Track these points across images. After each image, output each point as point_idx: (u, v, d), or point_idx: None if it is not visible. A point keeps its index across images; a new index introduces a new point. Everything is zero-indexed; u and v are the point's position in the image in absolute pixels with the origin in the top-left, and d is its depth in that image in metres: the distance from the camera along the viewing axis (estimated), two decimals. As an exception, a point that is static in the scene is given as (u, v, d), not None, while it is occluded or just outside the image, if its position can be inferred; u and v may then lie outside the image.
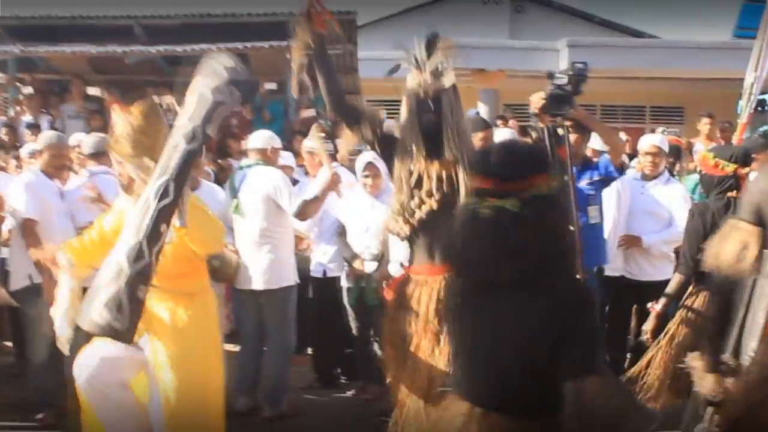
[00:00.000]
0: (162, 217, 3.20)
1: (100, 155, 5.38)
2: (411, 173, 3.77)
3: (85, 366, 3.61)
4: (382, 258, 5.03)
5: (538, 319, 2.24)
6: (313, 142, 6.19)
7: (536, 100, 4.08)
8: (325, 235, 5.78)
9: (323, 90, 3.90)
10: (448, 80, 3.74)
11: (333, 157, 6.18)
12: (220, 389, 3.84)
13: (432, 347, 3.68)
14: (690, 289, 4.41)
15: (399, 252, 4.27)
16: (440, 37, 3.78)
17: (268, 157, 5.36)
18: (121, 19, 9.99)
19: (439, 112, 3.72)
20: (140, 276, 3.15)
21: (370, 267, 5.29)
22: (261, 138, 5.45)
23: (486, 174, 2.34)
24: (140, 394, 3.75)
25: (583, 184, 4.77)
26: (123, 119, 3.67)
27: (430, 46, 3.75)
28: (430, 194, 3.74)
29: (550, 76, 4.06)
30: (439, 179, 3.73)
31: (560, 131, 3.80)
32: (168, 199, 3.20)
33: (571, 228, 2.52)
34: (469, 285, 2.41)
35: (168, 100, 3.80)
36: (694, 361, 3.27)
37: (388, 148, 3.89)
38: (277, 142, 5.56)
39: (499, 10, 18.35)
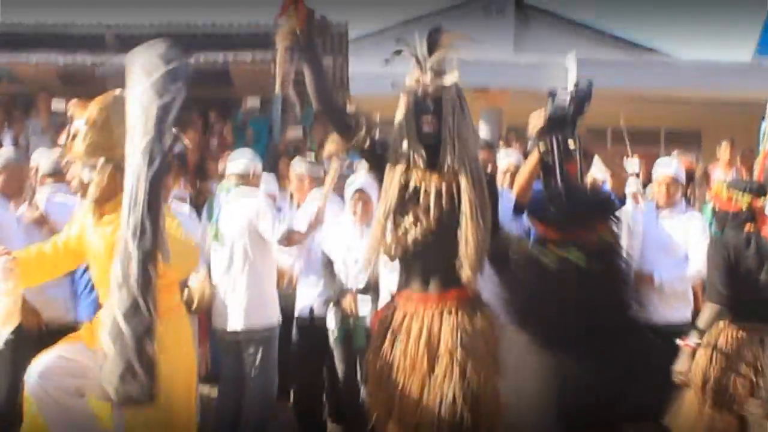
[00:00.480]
0: (147, 259, 3.13)
1: (59, 174, 5.33)
2: (405, 185, 3.68)
3: (38, 370, 3.53)
4: (372, 292, 4.96)
5: (602, 369, 2.34)
6: (303, 166, 6.17)
7: (535, 120, 4.05)
8: (312, 269, 5.71)
9: (310, 88, 3.80)
10: (450, 79, 3.66)
11: (321, 181, 6.15)
12: (192, 407, 3.80)
13: (422, 386, 3.58)
14: (720, 324, 4.35)
15: (389, 280, 4.18)
16: (444, 31, 3.73)
17: (249, 181, 5.31)
18: (92, 27, 9.99)
19: (439, 115, 3.63)
20: (144, 334, 3.08)
21: (361, 304, 5.19)
22: (241, 159, 5.39)
23: (548, 221, 2.39)
24: (100, 413, 3.66)
25: None
26: (79, 115, 3.60)
27: (432, 42, 3.69)
28: (427, 211, 3.64)
29: (552, 94, 4.04)
30: (438, 193, 3.64)
31: (571, 144, 3.75)
32: (147, 237, 3.13)
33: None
34: (533, 338, 2.49)
35: None
36: (755, 408, 3.19)
37: (382, 156, 3.79)
38: (259, 164, 5.51)
39: (502, 23, 18.46)
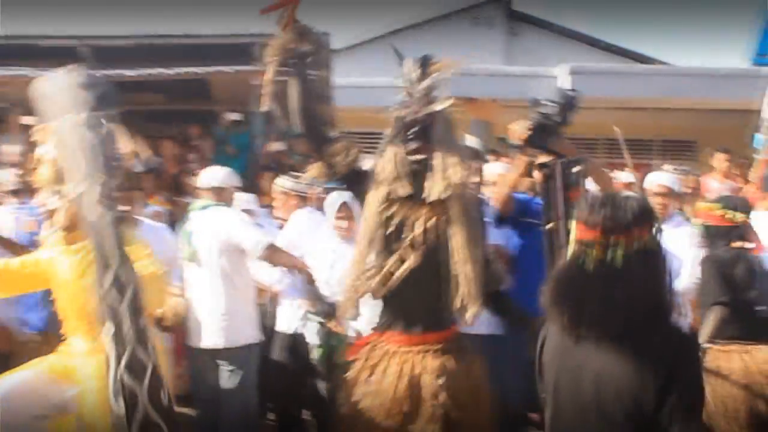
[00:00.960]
0: (134, 311, 3.09)
1: (23, 192, 5.33)
2: (390, 218, 3.61)
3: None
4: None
5: (643, 371, 2.46)
6: (287, 183, 6.19)
7: (519, 130, 4.03)
8: (297, 286, 5.69)
9: (295, 107, 3.77)
10: (441, 105, 3.60)
11: (304, 198, 6.17)
12: None
13: (403, 429, 3.53)
14: (711, 345, 4.42)
15: (368, 312, 4.06)
16: (434, 58, 3.70)
17: (224, 197, 5.32)
18: (65, 39, 9.99)
19: (429, 143, 3.58)
20: (157, 387, 3.05)
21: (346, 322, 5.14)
22: (216, 175, 5.39)
23: (592, 224, 2.56)
24: None
25: None
26: (43, 141, 3.58)
27: (423, 68, 3.66)
28: (412, 247, 3.58)
29: (536, 103, 4.04)
30: (425, 227, 3.58)
31: (575, 169, 3.66)
32: (128, 289, 3.09)
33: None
34: (571, 338, 2.62)
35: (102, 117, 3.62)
36: None
37: (363, 187, 3.72)
38: (236, 180, 5.51)
39: (492, 33, 18.55)
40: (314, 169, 3.93)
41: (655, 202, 5.60)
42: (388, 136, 3.69)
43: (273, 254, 5.07)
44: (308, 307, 5.35)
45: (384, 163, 3.65)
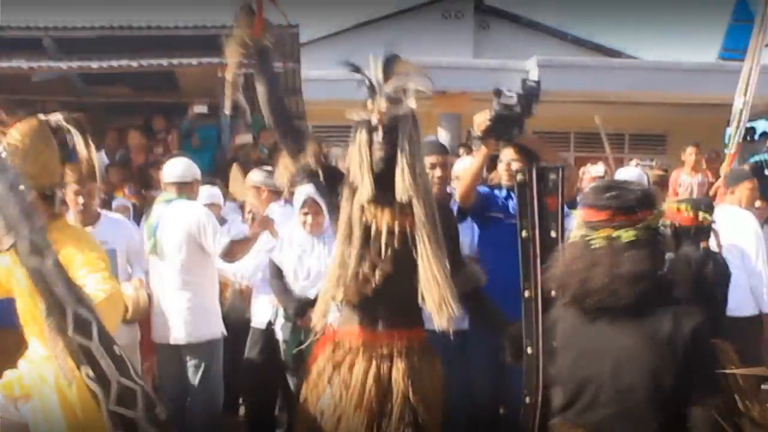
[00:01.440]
0: (106, 344, 3.01)
1: None
2: (359, 224, 3.57)
3: None
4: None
5: (659, 347, 2.67)
6: (259, 177, 6.15)
7: (480, 121, 3.97)
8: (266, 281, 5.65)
9: (263, 103, 3.70)
10: (407, 107, 3.54)
11: (277, 193, 6.13)
12: None
13: (370, 427, 3.50)
14: None
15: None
16: (400, 57, 3.62)
17: (188, 190, 5.27)
18: (28, 30, 9.86)
19: (394, 146, 3.51)
20: (151, 407, 3.00)
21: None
22: (179, 168, 5.32)
23: (601, 207, 2.80)
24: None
25: None
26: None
27: (388, 67, 3.58)
28: (381, 252, 3.55)
29: (498, 93, 3.97)
30: (390, 231, 3.55)
31: (552, 177, 3.50)
32: (93, 325, 3.00)
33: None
34: (585, 314, 2.81)
35: (56, 118, 3.58)
36: None
37: (334, 184, 3.68)
38: (198, 173, 5.46)
39: (462, 26, 18.60)
40: (283, 166, 3.75)
41: None
42: (352, 138, 3.63)
43: (233, 252, 5.04)
44: (277, 303, 5.31)
45: (350, 166, 3.61)
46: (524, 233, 3.43)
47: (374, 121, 3.54)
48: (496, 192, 4.99)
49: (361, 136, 3.58)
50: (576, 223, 2.99)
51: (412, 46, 3.66)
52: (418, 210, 3.53)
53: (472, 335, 4.75)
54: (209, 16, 9.27)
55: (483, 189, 5.02)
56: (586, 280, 2.76)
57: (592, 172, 7.76)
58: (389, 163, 3.52)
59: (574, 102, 12.72)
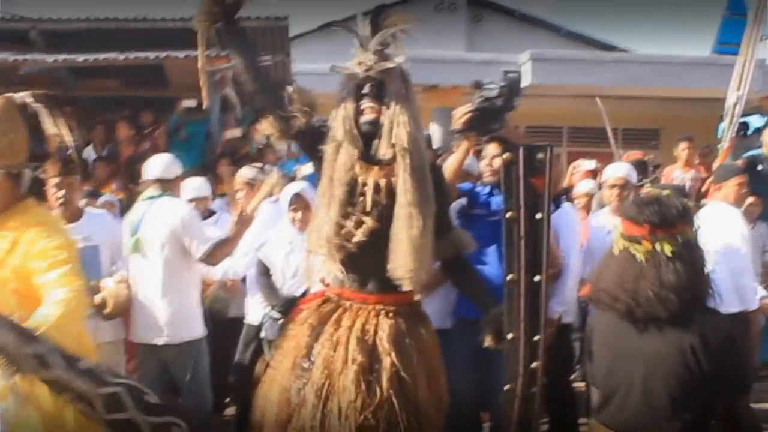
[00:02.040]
0: (70, 364, 2.93)
1: None
2: (345, 181, 3.52)
3: None
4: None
5: (689, 350, 2.84)
6: (251, 173, 6.12)
7: (460, 115, 3.88)
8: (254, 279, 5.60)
9: (240, 67, 3.63)
10: (395, 61, 3.51)
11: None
12: None
13: (356, 383, 3.41)
14: None
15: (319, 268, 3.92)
16: (388, 12, 3.59)
17: (171, 187, 5.20)
18: (14, 22, 9.81)
19: (381, 100, 3.50)
20: (140, 397, 2.95)
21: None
22: (160, 164, 5.23)
23: (642, 222, 2.96)
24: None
25: None
26: None
27: (376, 21, 3.55)
28: (366, 209, 3.51)
29: (478, 86, 3.89)
30: (377, 187, 3.51)
31: (540, 156, 3.42)
32: (53, 355, 2.91)
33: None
34: (624, 321, 2.99)
35: (21, 95, 3.53)
36: None
37: (319, 146, 3.61)
38: (180, 169, 5.40)
39: (455, 18, 18.57)
40: (267, 124, 3.68)
41: (612, 194, 5.67)
42: (340, 93, 3.59)
43: (216, 253, 4.96)
44: (264, 301, 5.28)
45: (336, 122, 3.56)
46: (509, 214, 3.36)
47: (361, 74, 3.51)
48: (479, 189, 4.95)
49: (349, 90, 3.55)
50: (615, 234, 3.13)
51: (403, 38, 3.62)
52: (402, 166, 3.47)
53: (454, 335, 4.72)
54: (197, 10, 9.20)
55: (465, 186, 4.97)
56: (634, 292, 2.93)
57: (585, 166, 7.77)
58: (377, 117, 3.49)
59: (567, 96, 12.73)
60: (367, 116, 3.52)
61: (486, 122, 3.88)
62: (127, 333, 5.16)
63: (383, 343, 3.51)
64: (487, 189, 4.89)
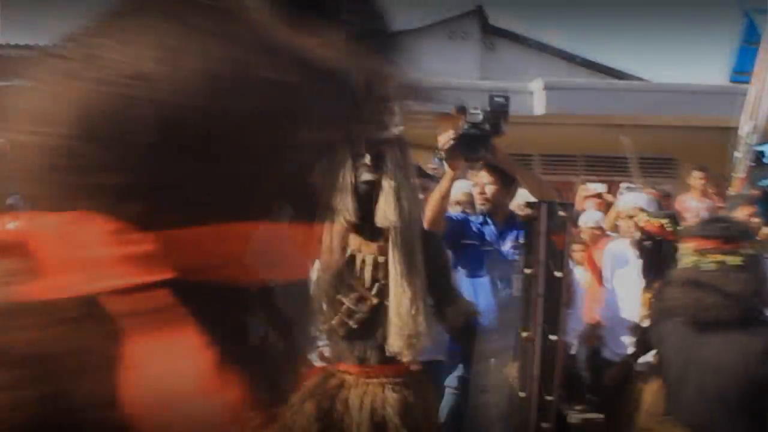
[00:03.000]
0: None
1: None
2: (344, 250, 3.48)
3: None
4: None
5: (753, 354, 3.13)
6: None
7: (444, 140, 3.83)
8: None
9: None
10: (394, 130, 3.45)
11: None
12: None
13: None
14: None
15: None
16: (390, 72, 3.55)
17: None
18: (30, 49, 9.93)
19: (379, 173, 3.40)
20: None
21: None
22: None
23: (712, 237, 3.32)
24: None
25: (507, 247, 4.57)
26: None
27: (371, 85, 3.49)
28: (366, 284, 3.48)
29: (462, 111, 3.83)
30: (375, 263, 3.49)
31: (561, 213, 3.38)
32: None
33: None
34: (692, 327, 3.30)
35: None
36: None
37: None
38: None
39: (468, 47, 18.63)
40: None
41: (630, 224, 5.68)
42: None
43: None
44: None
45: (337, 194, 3.51)
46: (528, 270, 3.33)
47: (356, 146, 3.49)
48: (471, 218, 4.86)
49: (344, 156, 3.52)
50: (682, 252, 3.46)
51: (418, 67, 3.58)
52: (392, 239, 3.42)
53: (448, 366, 4.69)
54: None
55: (457, 215, 4.91)
56: (701, 299, 3.24)
57: (591, 188, 7.85)
58: (372, 189, 3.40)
59: (581, 125, 12.75)
60: (364, 187, 3.41)
61: (470, 148, 3.83)
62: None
63: (393, 419, 3.50)
64: (480, 219, 4.80)
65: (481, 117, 3.82)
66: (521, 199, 4.79)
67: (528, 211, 3.38)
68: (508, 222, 4.66)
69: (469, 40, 18.72)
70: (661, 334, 3.61)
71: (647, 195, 6.56)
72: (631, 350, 4.75)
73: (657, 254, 4.47)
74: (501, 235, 4.59)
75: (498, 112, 3.83)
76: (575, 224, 4.74)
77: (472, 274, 4.34)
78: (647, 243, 4.62)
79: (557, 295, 3.23)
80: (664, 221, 4.60)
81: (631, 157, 9.05)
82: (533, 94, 12.63)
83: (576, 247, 6.39)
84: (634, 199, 5.96)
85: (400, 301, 3.41)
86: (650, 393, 3.78)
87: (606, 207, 7.30)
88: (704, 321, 3.24)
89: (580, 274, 5.57)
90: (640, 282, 4.79)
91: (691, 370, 3.29)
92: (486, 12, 18.79)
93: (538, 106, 11.96)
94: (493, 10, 19.16)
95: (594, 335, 5.40)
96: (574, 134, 12.62)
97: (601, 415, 5.18)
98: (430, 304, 3.52)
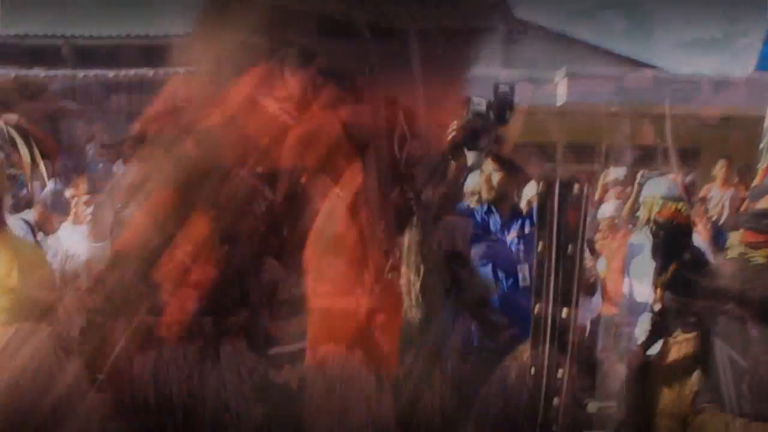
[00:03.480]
0: None
1: None
2: None
3: None
4: None
5: None
6: None
7: (448, 131, 3.71)
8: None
9: None
10: None
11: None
12: None
13: None
14: None
15: None
16: None
17: None
18: (47, 39, 9.99)
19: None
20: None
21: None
22: None
23: (762, 230, 3.38)
24: None
25: (512, 237, 4.55)
26: None
27: None
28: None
29: (467, 101, 3.76)
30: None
31: (576, 187, 3.15)
32: None
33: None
34: (743, 318, 3.34)
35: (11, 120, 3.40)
36: None
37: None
38: None
39: (490, 37, 18.57)
40: None
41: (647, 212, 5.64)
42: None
43: None
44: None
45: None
46: (540, 246, 3.30)
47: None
48: (475, 208, 4.86)
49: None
50: (730, 243, 3.52)
51: None
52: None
53: None
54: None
55: (460, 206, 4.86)
56: (748, 291, 3.31)
57: (612, 174, 7.82)
58: (408, 201, 3.24)
59: (603, 114, 12.68)
60: (399, 197, 3.30)
61: (474, 139, 3.78)
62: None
63: None
64: (485, 208, 4.78)
65: (483, 107, 3.75)
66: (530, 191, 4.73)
67: (541, 187, 3.29)
68: (511, 213, 4.66)
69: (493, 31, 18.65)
70: (705, 324, 3.63)
71: (669, 181, 6.49)
72: (644, 338, 4.69)
73: (670, 237, 4.39)
74: (505, 225, 4.57)
75: (503, 102, 3.79)
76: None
77: (477, 263, 4.30)
78: (661, 226, 4.55)
79: (570, 273, 3.18)
80: (679, 205, 4.56)
81: (664, 146, 8.99)
82: (556, 83, 12.58)
83: (597, 236, 6.33)
84: (654, 187, 5.89)
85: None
86: (686, 382, 3.74)
87: (626, 197, 7.24)
88: (751, 313, 3.29)
89: (600, 263, 5.52)
90: (653, 265, 4.75)
91: (738, 361, 3.36)
92: (510, 3, 18.71)
93: (561, 95, 11.91)
94: (517, 2, 19.07)
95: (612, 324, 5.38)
96: (595, 123, 12.56)
97: (614, 404, 5.19)
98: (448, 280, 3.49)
